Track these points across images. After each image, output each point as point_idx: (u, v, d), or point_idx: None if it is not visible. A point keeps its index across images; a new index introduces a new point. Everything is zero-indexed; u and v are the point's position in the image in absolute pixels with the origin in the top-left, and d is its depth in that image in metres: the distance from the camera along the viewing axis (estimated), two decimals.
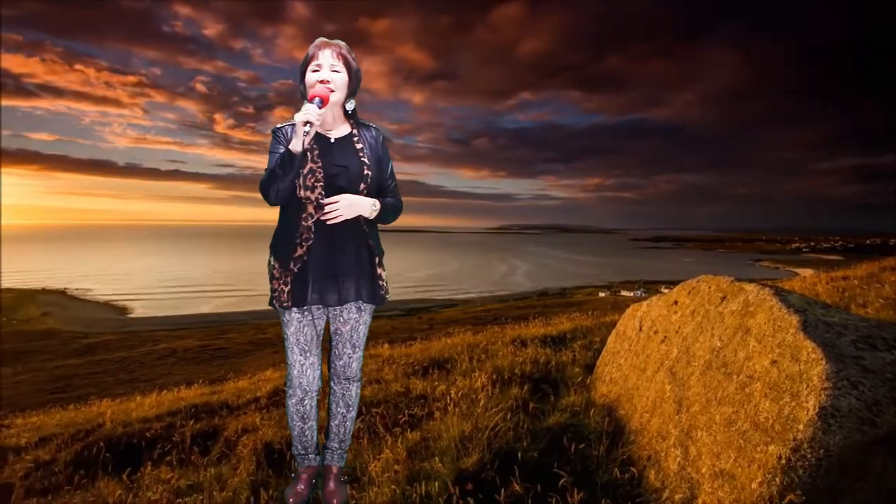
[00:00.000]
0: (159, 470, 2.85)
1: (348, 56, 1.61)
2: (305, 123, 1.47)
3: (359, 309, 1.72)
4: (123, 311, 58.29)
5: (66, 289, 69.26)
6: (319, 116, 1.49)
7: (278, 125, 1.66)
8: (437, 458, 2.12)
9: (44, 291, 65.36)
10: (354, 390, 1.82)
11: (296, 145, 1.48)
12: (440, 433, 2.40)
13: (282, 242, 1.62)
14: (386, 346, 5.95)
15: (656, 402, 2.10)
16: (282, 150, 1.58)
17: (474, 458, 2.12)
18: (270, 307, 1.67)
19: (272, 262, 1.64)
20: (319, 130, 1.64)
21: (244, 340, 33.76)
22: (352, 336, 1.73)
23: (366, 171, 1.63)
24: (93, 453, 3.24)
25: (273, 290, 1.63)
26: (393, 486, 1.96)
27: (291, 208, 1.61)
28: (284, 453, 2.66)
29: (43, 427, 4.56)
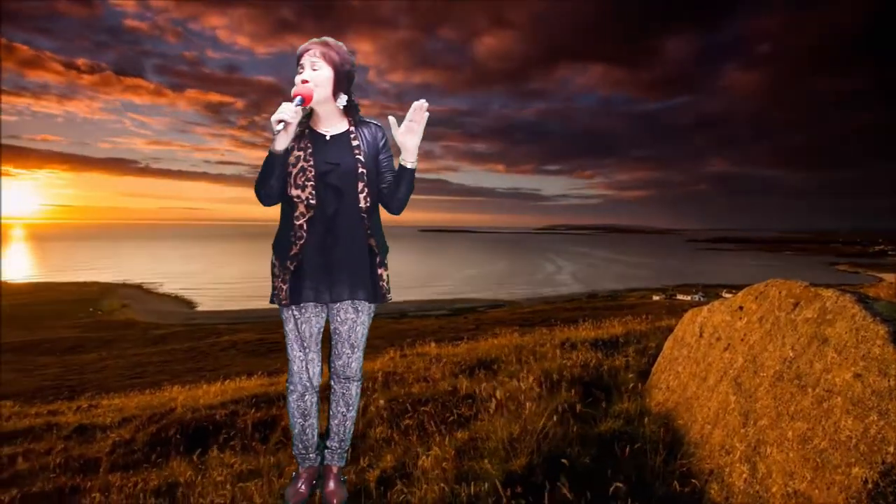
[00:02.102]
0: (224, 454, 3.06)
1: (330, 52, 1.57)
2: (279, 122, 1.45)
3: (356, 309, 1.70)
4: (190, 304, 62.74)
5: (142, 283, 75.58)
6: (296, 114, 1.47)
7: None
8: (485, 459, 2.12)
9: (123, 285, 71.71)
10: (354, 390, 1.81)
11: (275, 145, 1.49)
12: (488, 434, 2.39)
13: (280, 241, 1.63)
14: (433, 344, 6.01)
15: (719, 414, 1.99)
16: (289, 145, 1.59)
17: (523, 461, 2.10)
18: (272, 304, 1.68)
19: (273, 260, 1.65)
20: (314, 128, 1.63)
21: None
22: (349, 336, 1.72)
23: (360, 169, 1.60)
24: (166, 435, 3.52)
25: (273, 288, 1.64)
26: (442, 484, 1.98)
27: (287, 207, 1.61)
28: None
29: (124, 409, 5.02)
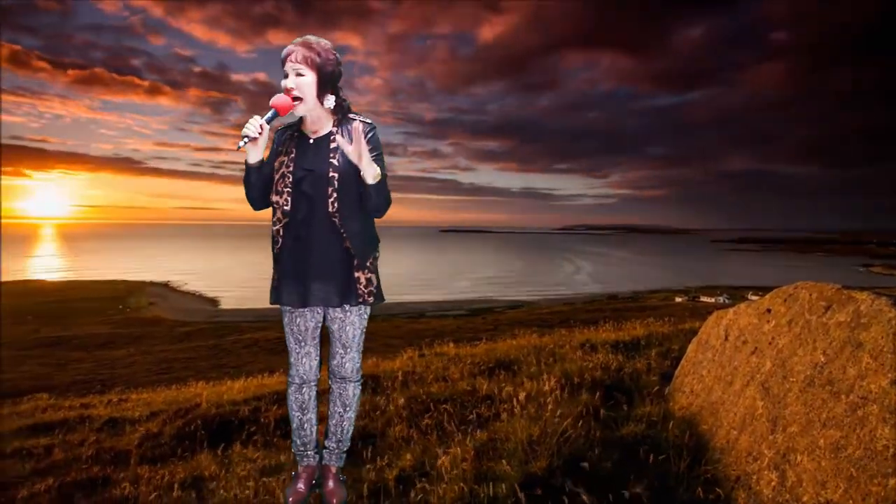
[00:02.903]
0: (247, 449, 3.13)
1: (312, 55, 1.56)
2: (243, 137, 1.49)
3: (343, 309, 1.72)
4: (214, 302, 64.27)
5: (168, 282, 77.79)
6: (262, 129, 1.50)
7: (278, 128, 1.71)
8: (504, 460, 2.11)
9: (151, 284, 73.92)
10: (352, 390, 1.82)
11: (248, 157, 1.55)
12: (508, 435, 2.39)
13: (272, 243, 1.68)
14: (451, 344, 6.02)
15: (746, 419, 1.94)
16: (268, 154, 1.64)
17: (543, 463, 2.09)
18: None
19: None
20: (303, 130, 1.66)
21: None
22: (340, 336, 1.75)
23: (331, 174, 1.59)
24: (192, 429, 3.62)
25: (271, 285, 1.73)
26: (461, 484, 1.99)
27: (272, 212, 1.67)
28: (357, 443, 2.79)
29: (152, 403, 5.18)
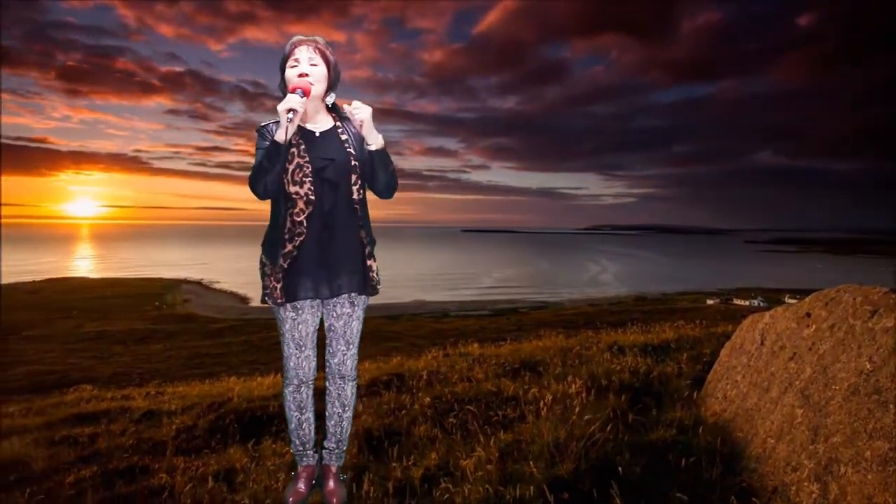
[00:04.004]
0: (276, 444, 3.21)
1: (325, 50, 1.60)
2: (289, 111, 1.46)
3: (352, 303, 1.70)
4: (244, 300, 66.16)
5: (202, 279, 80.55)
6: (303, 105, 1.49)
7: (262, 123, 1.65)
8: (530, 462, 2.10)
9: (185, 281, 76.72)
10: (350, 389, 1.79)
11: (280, 136, 1.49)
12: (533, 437, 2.37)
13: (272, 239, 1.61)
14: (475, 344, 6.01)
15: (784, 427, 1.86)
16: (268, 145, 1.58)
17: (569, 466, 2.06)
18: (264, 304, 1.65)
19: (263, 260, 1.64)
20: (303, 125, 1.63)
21: None
22: (345, 332, 1.71)
23: (353, 162, 1.61)
24: (224, 423, 3.74)
25: (265, 287, 1.63)
26: (486, 486, 1.98)
27: (281, 205, 1.60)
28: (383, 440, 2.83)
29: (186, 396, 5.37)
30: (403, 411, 3.27)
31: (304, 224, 1.57)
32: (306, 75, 1.56)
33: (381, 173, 1.63)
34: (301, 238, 1.57)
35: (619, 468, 1.88)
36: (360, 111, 1.57)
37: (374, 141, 1.60)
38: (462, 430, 2.80)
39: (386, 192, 1.68)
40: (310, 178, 1.57)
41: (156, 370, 23.59)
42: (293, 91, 1.51)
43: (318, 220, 1.59)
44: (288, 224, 1.57)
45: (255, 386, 5.43)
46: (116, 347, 33.05)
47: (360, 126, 1.59)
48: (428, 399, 3.36)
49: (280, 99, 1.57)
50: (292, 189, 1.56)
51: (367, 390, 4.05)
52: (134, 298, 56.89)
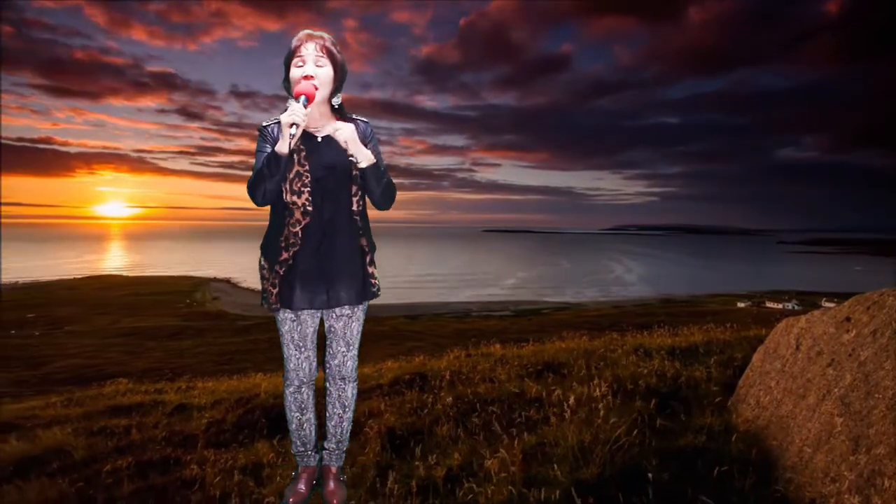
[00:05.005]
0: None
1: (333, 49, 1.52)
2: (291, 125, 1.41)
3: (353, 307, 1.68)
4: None
5: (230, 278, 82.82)
6: (306, 116, 1.43)
7: (264, 123, 1.59)
8: (555, 465, 2.08)
9: (214, 280, 79.06)
10: (350, 391, 1.78)
11: (282, 147, 1.44)
12: (557, 440, 2.34)
13: (269, 245, 1.59)
14: (497, 345, 5.98)
15: (822, 437, 1.79)
16: (268, 149, 1.54)
17: (594, 470, 2.03)
18: (262, 306, 1.64)
19: (262, 263, 1.62)
20: (306, 129, 1.57)
21: (364, 331, 36.68)
22: (345, 333, 1.70)
23: (354, 172, 1.57)
24: (252, 418, 3.84)
25: (263, 291, 1.61)
26: (510, 487, 1.98)
27: (279, 211, 1.57)
28: (407, 440, 2.85)
29: (215, 391, 5.53)
30: (426, 411, 3.29)
31: (300, 235, 1.55)
32: (311, 77, 1.49)
33: (374, 188, 1.59)
34: (296, 248, 1.55)
35: (648, 474, 1.84)
36: (340, 132, 1.51)
37: (363, 158, 1.54)
38: (485, 430, 2.79)
39: (382, 205, 1.65)
40: (308, 188, 1.53)
41: (186, 365, 24.40)
42: (297, 96, 1.45)
43: (316, 230, 1.55)
44: (285, 232, 1.54)
45: (280, 382, 5.54)
46: (149, 343, 34.37)
47: (346, 146, 1.53)
48: (450, 399, 3.36)
49: (284, 97, 1.54)
50: (290, 198, 1.53)
51: (390, 389, 4.09)
52: (165, 296, 58.97)
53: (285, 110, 1.48)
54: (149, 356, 29.95)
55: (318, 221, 1.55)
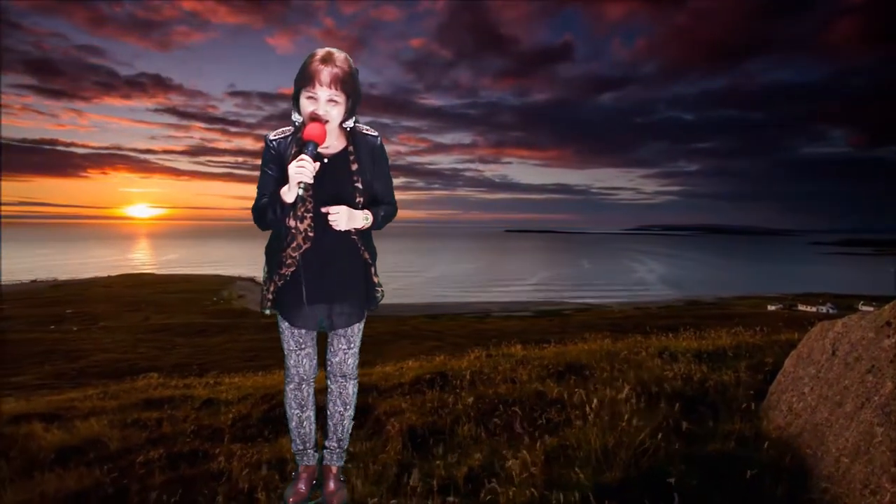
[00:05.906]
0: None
1: (349, 80, 1.45)
2: (300, 184, 1.39)
3: (352, 305, 1.67)
4: None
5: (255, 277, 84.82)
6: (315, 168, 1.40)
7: (271, 136, 1.54)
8: (577, 468, 2.06)
9: (239, 278, 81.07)
10: (351, 388, 1.78)
11: (288, 198, 1.42)
12: (580, 442, 2.32)
13: (271, 256, 1.60)
14: (518, 346, 5.95)
15: (860, 446, 1.71)
16: (272, 169, 1.53)
17: (618, 474, 2.00)
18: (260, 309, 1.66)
19: (264, 269, 1.64)
20: None
21: (385, 330, 37.19)
22: (346, 332, 1.69)
23: (358, 199, 1.54)
24: (277, 414, 3.92)
25: (262, 293, 1.63)
26: (531, 489, 1.96)
27: (281, 231, 1.56)
28: (428, 438, 2.86)
29: (241, 387, 5.68)
30: (447, 410, 3.29)
31: (299, 259, 1.55)
32: (318, 118, 1.43)
33: (373, 228, 1.63)
34: (292, 269, 1.55)
35: (673, 479, 1.80)
36: (336, 221, 1.49)
37: (362, 225, 1.55)
38: (506, 431, 2.78)
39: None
40: (311, 214, 1.52)
41: (214, 361, 25.11)
42: (306, 139, 1.40)
43: (317, 255, 1.55)
44: (286, 251, 1.54)
45: None
46: (178, 339, 35.50)
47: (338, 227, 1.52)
48: (471, 399, 3.36)
49: (290, 111, 1.53)
50: (293, 223, 1.52)
51: (411, 388, 4.11)
52: (193, 294, 60.74)
53: (297, 130, 1.49)
54: (178, 352, 30.98)
55: (319, 247, 1.55)
